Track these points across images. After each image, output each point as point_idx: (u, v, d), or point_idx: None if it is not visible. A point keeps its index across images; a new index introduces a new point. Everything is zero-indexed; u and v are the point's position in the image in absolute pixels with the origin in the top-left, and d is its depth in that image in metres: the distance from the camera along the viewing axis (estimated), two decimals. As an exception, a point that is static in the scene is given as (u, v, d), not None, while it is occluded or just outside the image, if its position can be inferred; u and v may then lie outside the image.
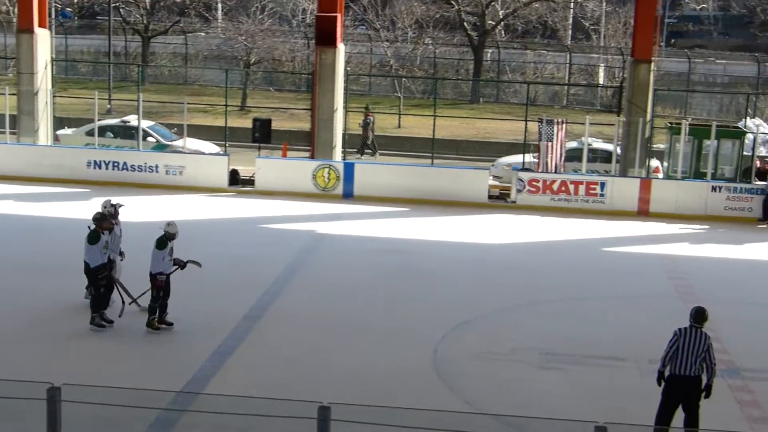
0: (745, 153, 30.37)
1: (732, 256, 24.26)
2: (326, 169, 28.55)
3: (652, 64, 29.99)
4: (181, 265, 16.60)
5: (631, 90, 29.93)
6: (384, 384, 14.67)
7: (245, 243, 22.93)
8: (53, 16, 52.61)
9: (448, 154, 35.93)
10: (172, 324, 16.60)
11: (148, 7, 55.17)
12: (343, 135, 31.06)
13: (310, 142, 30.41)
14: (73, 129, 33.16)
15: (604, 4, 62.10)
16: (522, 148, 30.61)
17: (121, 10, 55.98)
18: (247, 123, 33.35)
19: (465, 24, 55.61)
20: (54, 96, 31.91)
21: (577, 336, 17.18)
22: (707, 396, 12.77)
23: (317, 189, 28.47)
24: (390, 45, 53.78)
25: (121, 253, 17.44)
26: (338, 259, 22.18)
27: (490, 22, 56.47)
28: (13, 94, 30.85)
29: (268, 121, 31.27)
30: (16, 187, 27.81)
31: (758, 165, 29.33)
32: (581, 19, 66.23)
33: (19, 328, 16.47)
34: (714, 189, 27.95)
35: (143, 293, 16.85)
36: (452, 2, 54.47)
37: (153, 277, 16.37)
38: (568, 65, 57.79)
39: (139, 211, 23.97)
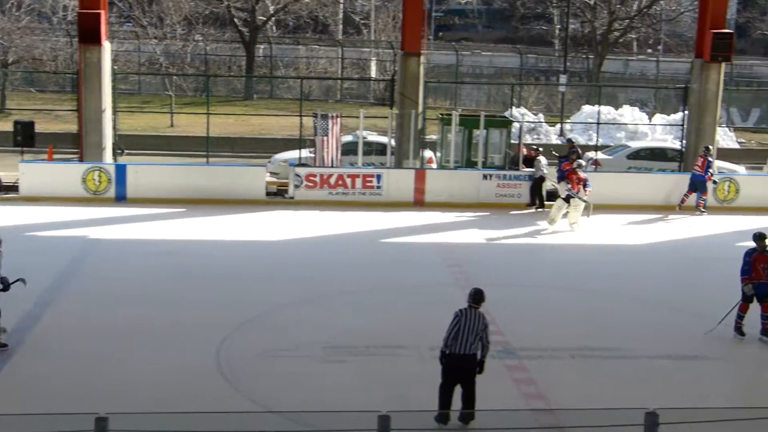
0: (512, 141, 31.43)
1: (504, 242, 25.07)
2: (96, 172, 27.74)
3: (422, 57, 30.64)
4: (6, 285, 15.55)
5: (403, 83, 30.48)
6: (168, 389, 14.35)
7: (10, 252, 21.78)
8: None
9: (224, 152, 35.62)
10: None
11: None
12: (115, 136, 30.26)
13: (78, 144, 29.45)
14: None
15: (372, -1, 63.00)
16: (298, 143, 30.68)
17: None
18: (7, 126, 31.99)
19: (235, 20, 55.28)
20: None
21: (359, 327, 17.33)
22: (480, 372, 13.28)
23: (88, 193, 27.62)
24: (159, 42, 52.79)
25: None
26: (114, 263, 21.54)
27: (261, 17, 56.33)
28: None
29: (31, 124, 30.04)
30: None
31: (525, 152, 30.38)
32: (351, 13, 67.03)
33: None
34: (485, 177, 28.80)
35: None
36: (222, -2, 54.04)
37: None
38: (340, 60, 58.30)
39: None
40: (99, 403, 11.93)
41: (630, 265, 23.00)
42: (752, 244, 17.32)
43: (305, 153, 30.12)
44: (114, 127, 30.26)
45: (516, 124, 32.37)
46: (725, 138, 41.27)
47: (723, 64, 30.92)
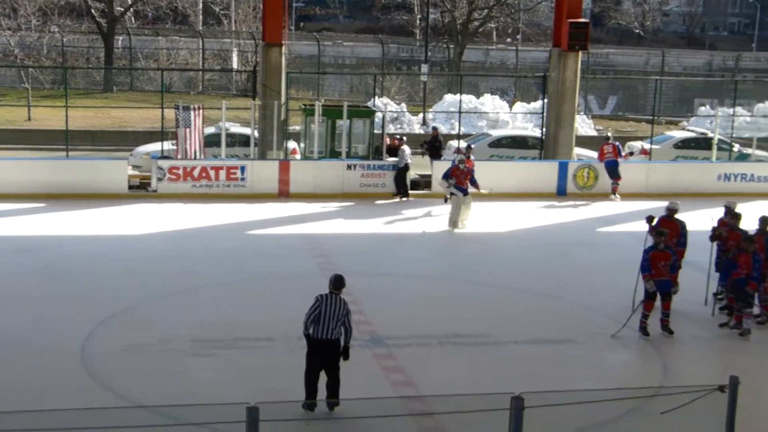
0: (375, 131, 31.63)
1: (369, 231, 25.24)
2: (-48, 168, 26.90)
3: (284, 48, 30.55)
4: None
5: (265, 74, 30.34)
6: (31, 389, 14.04)
7: None
8: None
9: (84, 145, 34.90)
10: None
11: None
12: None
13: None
14: None
15: (232, -11, 62.57)
16: (160, 135, 30.27)
17: None
18: None
19: (93, 11, 54.18)
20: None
21: (227, 320, 17.25)
22: (345, 358, 13.41)
23: (-57, 189, 26.77)
24: (13, 33, 51.38)
25: None
26: (-29, 261, 20.96)
27: (119, 8, 55.38)
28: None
29: None
30: None
31: (388, 142, 30.61)
32: (211, 4, 66.39)
33: None
34: (349, 167, 28.93)
35: None
36: (77, -11, 52.93)
37: None
38: (201, 51, 57.73)
39: None
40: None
41: (494, 253, 23.44)
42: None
43: (168, 145, 29.73)
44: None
45: (379, 114, 32.57)
46: (583, 125, 42.35)
47: (580, 53, 31.72)
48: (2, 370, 14.75)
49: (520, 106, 43.44)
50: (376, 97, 37.68)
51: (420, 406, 13.87)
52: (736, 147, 34.70)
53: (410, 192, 28.93)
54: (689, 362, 16.33)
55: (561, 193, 29.82)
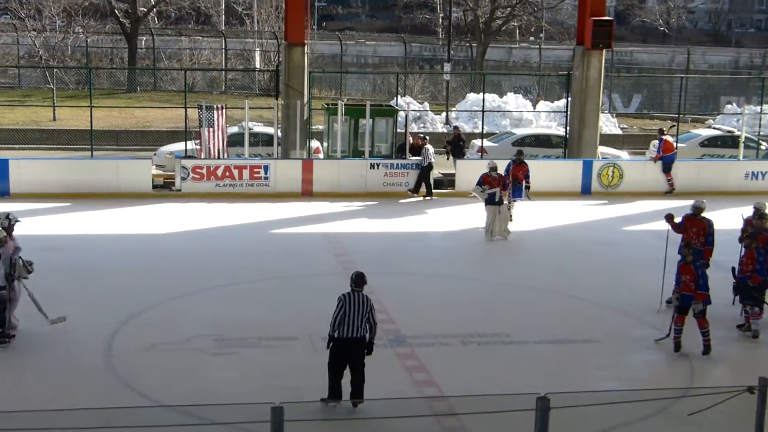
0: (398, 130, 31.59)
1: (391, 230, 25.20)
2: (-23, 168, 27.04)
3: (306, 48, 30.55)
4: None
5: (287, 73, 30.35)
6: (55, 388, 14.08)
7: None
8: None
9: (108, 145, 35.04)
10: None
11: None
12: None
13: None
14: None
15: (255, -11, 62.66)
16: (183, 135, 30.33)
17: None
18: None
19: (116, 12, 54.37)
20: None
21: (250, 319, 17.26)
22: (369, 353, 13.42)
23: (-31, 189, 26.94)
24: (38, 35, 51.65)
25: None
26: (-4, 261, 20.99)
27: (142, 9, 55.55)
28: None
29: None
30: None
31: (411, 141, 30.56)
32: (234, 4, 66.51)
33: None
34: (372, 166, 28.90)
35: None
36: (101, -11, 53.16)
37: None
38: (224, 51, 57.83)
39: None
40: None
41: (517, 252, 23.37)
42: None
43: (191, 145, 29.77)
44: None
45: (402, 113, 32.52)
46: (608, 124, 42.16)
47: (604, 51, 31.56)
48: (27, 369, 14.80)
49: (543, 105, 43.28)
50: (399, 96, 37.64)
51: (443, 406, 13.82)
52: (764, 145, 34.43)
53: (434, 191, 28.88)
54: (716, 363, 16.18)
55: (585, 191, 29.70)
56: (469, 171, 28.95)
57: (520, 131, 35.86)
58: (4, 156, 29.05)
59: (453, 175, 29.85)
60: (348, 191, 28.48)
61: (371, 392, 13.21)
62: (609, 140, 36.65)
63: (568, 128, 32.46)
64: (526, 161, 25.93)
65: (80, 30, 53.91)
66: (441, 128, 41.76)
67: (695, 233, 18.39)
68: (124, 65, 54.57)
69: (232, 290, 19.23)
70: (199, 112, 28.43)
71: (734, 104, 45.66)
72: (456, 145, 31.77)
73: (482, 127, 32.93)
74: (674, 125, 32.75)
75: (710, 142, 34.79)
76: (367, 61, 66.16)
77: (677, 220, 18.61)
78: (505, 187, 24.08)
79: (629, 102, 51.60)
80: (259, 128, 31.74)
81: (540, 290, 19.90)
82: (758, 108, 36.81)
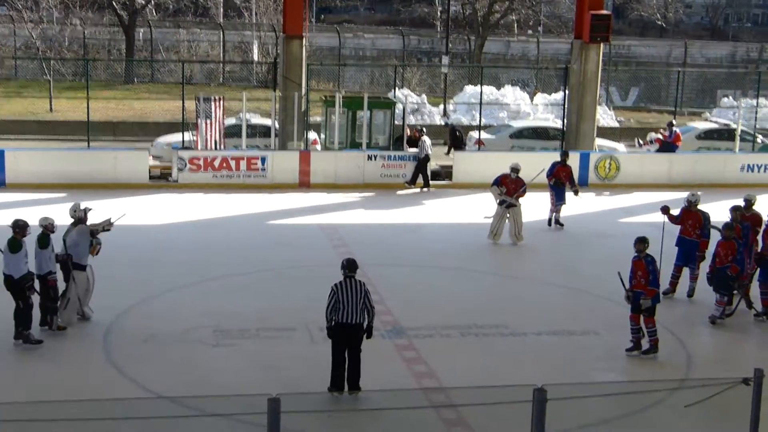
0: (396, 122, 31.58)
1: (388, 221, 25.20)
2: (-26, 158, 26.99)
3: (304, 40, 30.52)
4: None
5: (285, 65, 30.32)
6: (53, 379, 14.08)
7: None
8: None
9: (105, 136, 34.95)
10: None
11: None
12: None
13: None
14: None
15: (253, -19, 62.52)
16: (181, 126, 30.28)
17: None
18: None
19: (114, 3, 54.28)
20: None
21: (248, 310, 17.26)
22: (368, 336, 13.52)
23: (-35, 179, 26.90)
24: (35, 26, 51.54)
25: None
26: (-6, 251, 20.96)
27: (140, 1, 55.43)
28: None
29: None
30: None
31: (409, 133, 30.54)
32: (232, -4, 66.32)
33: None
34: (370, 158, 28.88)
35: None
36: (99, -19, 53.07)
37: (44, 277, 15.53)
38: (221, 43, 57.74)
39: None
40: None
41: (513, 244, 23.33)
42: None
43: (188, 136, 29.72)
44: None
45: (399, 105, 32.50)
46: (605, 117, 42.12)
47: (602, 45, 31.54)
48: (25, 360, 14.79)
49: (541, 98, 43.23)
50: (397, 89, 37.59)
51: (442, 398, 13.83)
52: (760, 138, 34.44)
53: (431, 183, 28.87)
54: (712, 355, 16.22)
55: (582, 183, 29.66)
56: (466, 163, 28.99)
57: (518, 124, 35.82)
58: (0, 147, 28.98)
59: (450, 167, 29.84)
60: (345, 182, 28.48)
61: (369, 383, 13.23)
62: (606, 133, 36.61)
63: (565, 121, 32.43)
64: (568, 164, 24.68)
65: (78, 22, 53.80)
66: (439, 120, 41.72)
67: (691, 225, 18.45)
68: (122, 57, 54.47)
69: (230, 281, 19.23)
70: (196, 104, 28.37)
71: (731, 98, 45.61)
72: (454, 137, 31.72)
73: (480, 120, 32.92)
74: (674, 119, 32.78)
75: (707, 135, 34.78)
76: (365, 53, 66.09)
77: (675, 212, 18.63)
78: (522, 193, 22.78)
79: (626, 95, 51.56)
80: (257, 120, 31.71)
81: (538, 281, 19.93)
82: (754, 101, 36.80)
